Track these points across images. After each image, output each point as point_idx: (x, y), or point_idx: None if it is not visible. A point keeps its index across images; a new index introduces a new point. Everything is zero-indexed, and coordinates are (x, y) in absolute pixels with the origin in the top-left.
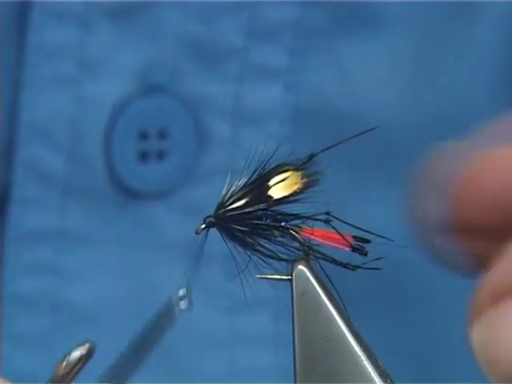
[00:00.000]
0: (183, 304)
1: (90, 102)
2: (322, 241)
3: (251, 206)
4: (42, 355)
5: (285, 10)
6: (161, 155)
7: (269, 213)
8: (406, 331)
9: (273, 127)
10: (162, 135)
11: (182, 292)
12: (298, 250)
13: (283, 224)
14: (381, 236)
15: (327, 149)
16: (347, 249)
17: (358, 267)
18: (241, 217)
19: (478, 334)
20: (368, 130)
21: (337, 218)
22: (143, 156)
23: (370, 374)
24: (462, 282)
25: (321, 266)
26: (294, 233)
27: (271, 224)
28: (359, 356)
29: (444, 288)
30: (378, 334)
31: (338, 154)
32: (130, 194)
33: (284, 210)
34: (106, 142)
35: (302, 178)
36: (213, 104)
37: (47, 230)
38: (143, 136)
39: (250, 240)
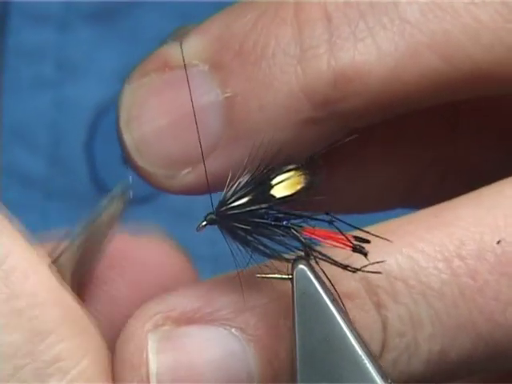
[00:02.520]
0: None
1: (70, 104)
2: (322, 240)
3: (253, 204)
4: None
5: None
6: None
7: (270, 212)
8: None
9: None
10: None
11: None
12: (299, 249)
13: (285, 223)
14: (379, 237)
15: (327, 149)
16: (348, 249)
17: (359, 270)
18: (242, 215)
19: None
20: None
21: (337, 219)
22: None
23: (370, 373)
24: None
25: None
26: (295, 232)
27: (273, 223)
28: (360, 356)
29: None
30: None
31: None
32: None
33: (286, 209)
34: (87, 144)
35: (304, 178)
36: None
37: (31, 233)
38: None
39: (251, 238)
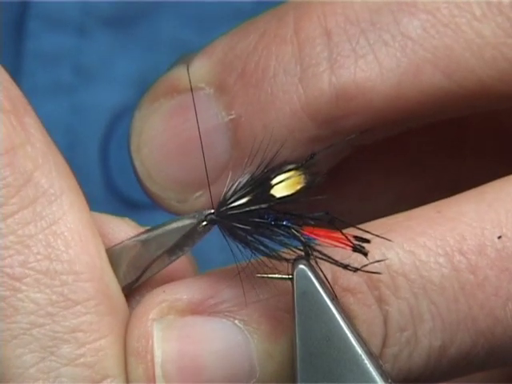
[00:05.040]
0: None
1: (86, 109)
2: (323, 240)
3: (253, 204)
4: None
5: None
6: None
7: (270, 212)
8: None
9: None
10: None
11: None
12: (299, 249)
13: (285, 223)
14: (380, 236)
15: (327, 149)
16: (348, 248)
17: (359, 269)
18: (242, 215)
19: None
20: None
21: (337, 218)
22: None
23: (371, 373)
24: None
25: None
26: (295, 232)
27: (273, 223)
28: (360, 355)
29: None
30: None
31: None
32: (128, 204)
33: (286, 209)
34: (102, 150)
35: (304, 178)
36: None
37: None
38: None
39: (252, 238)
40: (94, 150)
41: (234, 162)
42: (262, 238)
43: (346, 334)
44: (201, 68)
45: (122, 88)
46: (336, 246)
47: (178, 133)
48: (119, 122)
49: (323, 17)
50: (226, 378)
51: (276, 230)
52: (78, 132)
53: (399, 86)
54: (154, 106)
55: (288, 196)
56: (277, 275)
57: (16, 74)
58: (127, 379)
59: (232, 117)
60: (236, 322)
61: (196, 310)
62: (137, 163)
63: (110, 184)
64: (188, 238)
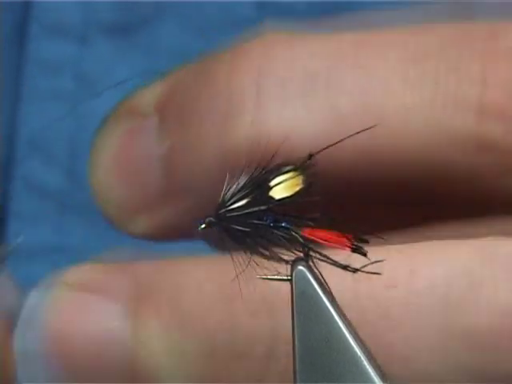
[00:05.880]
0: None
1: (88, 117)
2: (322, 241)
3: (252, 206)
4: None
5: None
6: None
7: (269, 213)
8: None
9: None
10: None
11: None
12: (298, 250)
13: (283, 224)
14: (378, 236)
15: (326, 148)
16: (347, 249)
17: (358, 270)
18: (241, 217)
19: None
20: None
21: (335, 219)
22: None
23: (369, 374)
24: None
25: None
26: (294, 233)
27: (272, 224)
28: (359, 356)
29: None
30: None
31: None
32: None
33: (285, 211)
34: None
35: (302, 179)
36: None
37: (45, 245)
38: None
39: (250, 240)
40: None
41: (166, 191)
42: (260, 240)
43: (344, 336)
44: (154, 94)
45: (123, 95)
46: (335, 247)
47: (123, 157)
48: None
49: (259, 60)
50: (95, 363)
51: (275, 231)
52: (78, 140)
53: (329, 136)
54: (110, 126)
55: (287, 197)
56: (276, 276)
57: (17, 82)
58: None
59: (166, 146)
60: (122, 308)
61: (86, 287)
62: (91, 181)
63: None
64: None
